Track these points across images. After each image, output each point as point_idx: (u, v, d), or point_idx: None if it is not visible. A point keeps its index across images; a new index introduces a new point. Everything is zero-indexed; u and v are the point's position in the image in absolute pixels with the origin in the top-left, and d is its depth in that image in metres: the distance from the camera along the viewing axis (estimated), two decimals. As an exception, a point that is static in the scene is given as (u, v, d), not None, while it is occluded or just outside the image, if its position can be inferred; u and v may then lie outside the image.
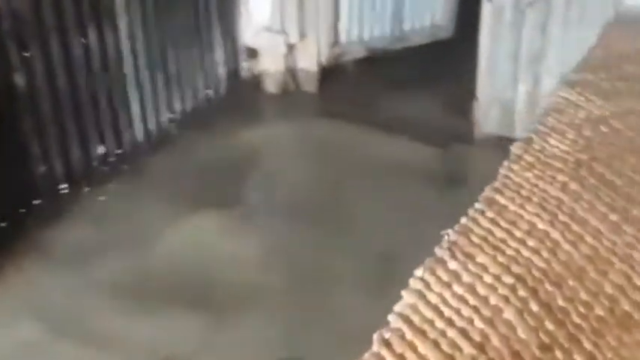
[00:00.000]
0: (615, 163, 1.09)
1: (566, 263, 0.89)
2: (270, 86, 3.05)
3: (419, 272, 0.86)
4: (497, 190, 1.02)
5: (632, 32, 1.61)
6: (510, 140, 2.46)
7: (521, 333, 0.78)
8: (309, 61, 2.98)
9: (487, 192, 1.02)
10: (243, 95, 3.11)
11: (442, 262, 0.88)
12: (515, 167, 1.08)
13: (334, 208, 2.41)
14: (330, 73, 3.11)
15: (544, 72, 2.21)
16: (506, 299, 0.83)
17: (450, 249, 0.90)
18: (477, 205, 0.99)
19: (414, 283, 0.85)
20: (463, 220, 0.96)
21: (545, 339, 0.78)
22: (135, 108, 2.69)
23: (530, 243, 0.92)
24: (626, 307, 0.82)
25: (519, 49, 2.22)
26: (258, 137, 2.84)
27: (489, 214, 0.97)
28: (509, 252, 0.90)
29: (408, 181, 2.46)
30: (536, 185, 1.04)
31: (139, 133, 2.74)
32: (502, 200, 1.00)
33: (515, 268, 0.88)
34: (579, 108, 1.24)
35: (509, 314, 0.81)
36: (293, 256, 2.18)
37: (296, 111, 3.06)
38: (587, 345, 0.77)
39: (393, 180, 2.49)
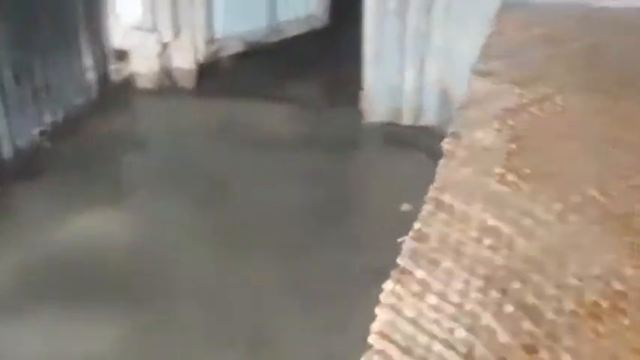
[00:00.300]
0: (544, 149, 1.11)
1: (525, 258, 0.89)
2: (144, 86, 2.94)
3: (389, 285, 0.85)
4: (440, 190, 1.02)
5: (522, 18, 1.66)
6: (398, 126, 2.55)
7: (503, 337, 0.78)
8: (184, 59, 2.88)
9: (431, 192, 1.01)
10: (115, 98, 2.98)
11: (408, 273, 0.87)
12: (451, 164, 1.08)
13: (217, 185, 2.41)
14: (207, 69, 3.04)
15: (430, 56, 2.25)
16: (481, 303, 0.83)
17: (412, 257, 0.89)
18: (426, 207, 0.99)
19: (386, 297, 0.83)
20: (416, 224, 0.95)
21: (528, 340, 0.78)
22: (0, 124, 2.51)
23: (487, 241, 0.92)
24: (592, 296, 0.84)
25: (404, 34, 2.25)
26: (134, 134, 2.77)
27: (441, 215, 0.97)
28: (469, 252, 0.90)
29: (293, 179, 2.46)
30: (474, 180, 1.04)
31: (7, 151, 2.56)
32: (448, 199, 1.00)
33: (480, 270, 0.87)
34: (497, 97, 1.26)
35: (487, 319, 0.80)
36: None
37: (170, 106, 3.00)
38: (568, 341, 0.78)
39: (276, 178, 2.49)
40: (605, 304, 0.83)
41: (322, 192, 2.30)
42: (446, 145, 1.13)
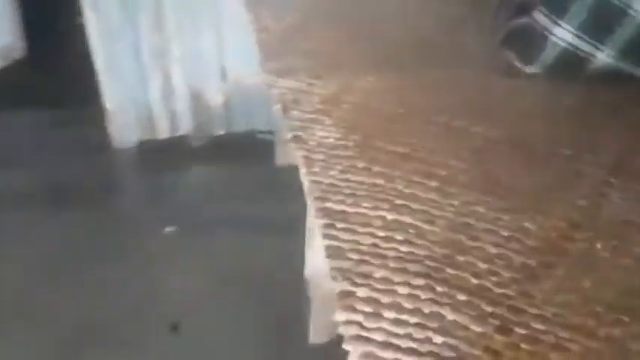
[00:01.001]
0: (382, 135, 1.11)
1: (441, 243, 0.88)
2: None
3: (340, 316, 0.78)
4: (322, 199, 0.97)
5: (275, 5, 1.62)
6: (153, 142, 2.41)
7: (476, 328, 0.77)
8: None
9: (316, 204, 0.96)
10: None
11: (351, 295, 0.81)
12: (314, 170, 1.04)
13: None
14: None
15: (174, 64, 2.15)
16: (436, 302, 0.80)
17: (345, 277, 0.83)
18: (319, 221, 0.93)
19: (347, 329, 0.77)
20: (325, 242, 0.89)
21: (495, 322, 0.78)
22: None
23: (398, 236, 0.89)
24: (522, 259, 0.87)
25: (140, 47, 2.11)
26: None
27: (339, 225, 0.92)
28: (391, 254, 0.87)
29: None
30: (347, 179, 1.01)
31: None
32: (335, 206, 0.95)
33: (411, 267, 0.85)
34: (310, 94, 1.23)
35: (450, 316, 0.79)
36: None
37: None
38: (532, 310, 0.79)
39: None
40: (534, 263, 0.87)
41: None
42: (296, 152, 1.08)
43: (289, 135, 1.12)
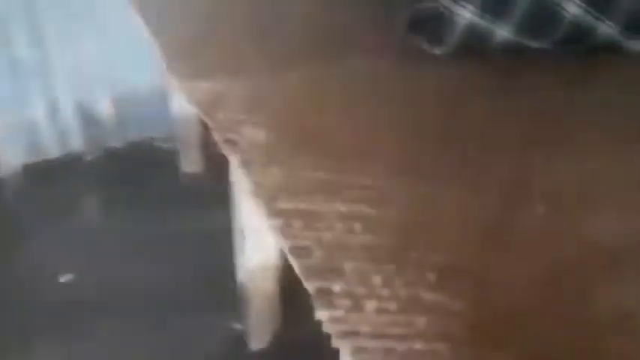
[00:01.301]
0: (315, 129, 1.12)
1: (398, 227, 0.91)
2: None
3: (323, 315, 0.78)
4: (273, 198, 0.96)
5: (166, 11, 1.58)
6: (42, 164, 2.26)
7: (458, 306, 0.79)
8: None
9: (267, 205, 0.95)
10: None
11: (328, 291, 0.81)
12: (256, 170, 1.03)
13: None
14: None
15: (55, 79, 2.05)
16: (410, 284, 0.82)
17: (317, 275, 0.83)
18: (274, 222, 0.92)
19: (332, 327, 0.77)
20: (287, 242, 0.89)
21: (470, 295, 0.81)
22: None
23: (357, 226, 0.90)
24: (477, 235, 0.91)
25: (17, 65, 1.99)
26: None
27: (296, 223, 0.91)
28: (356, 245, 0.88)
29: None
30: (291, 177, 1.00)
31: None
32: (286, 205, 0.95)
33: (379, 255, 0.86)
34: (230, 95, 1.21)
35: (427, 296, 0.81)
36: None
37: None
38: (497, 273, 0.83)
39: None
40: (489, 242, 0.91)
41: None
42: (231, 155, 1.06)
43: (220, 138, 1.10)
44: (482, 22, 1.24)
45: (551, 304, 0.81)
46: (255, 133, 1.11)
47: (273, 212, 0.94)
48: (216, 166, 1.38)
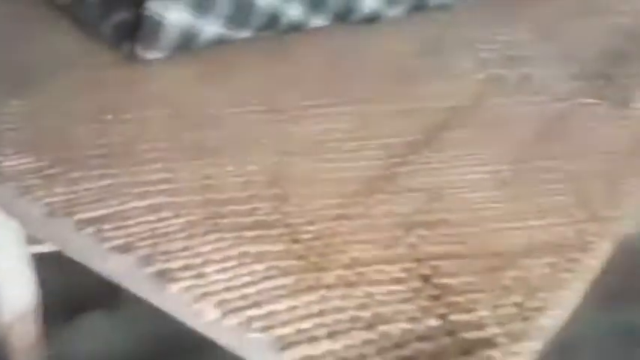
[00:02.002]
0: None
1: (198, 199, 0.98)
2: None
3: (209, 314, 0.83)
4: (72, 212, 0.95)
5: None
6: None
7: (273, 247, 0.90)
8: None
9: (73, 216, 0.94)
10: None
11: (182, 278, 0.86)
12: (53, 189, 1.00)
13: None
14: None
15: None
16: (238, 244, 0.90)
17: (162, 260, 0.87)
18: (90, 230, 0.92)
19: (229, 319, 0.81)
20: (110, 244, 0.89)
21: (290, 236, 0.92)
22: None
23: (166, 214, 0.96)
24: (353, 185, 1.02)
25: None
26: None
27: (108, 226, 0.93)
28: (177, 227, 0.93)
29: None
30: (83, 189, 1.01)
31: None
32: (92, 214, 0.96)
33: (206, 225, 0.93)
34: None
35: (252, 249, 0.90)
36: None
37: None
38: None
39: None
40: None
41: None
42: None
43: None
44: (191, 21, 1.35)
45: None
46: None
47: (81, 222, 0.94)
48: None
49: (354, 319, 0.80)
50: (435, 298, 0.81)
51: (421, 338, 0.76)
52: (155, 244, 0.91)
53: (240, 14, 1.38)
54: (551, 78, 1.29)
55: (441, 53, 1.37)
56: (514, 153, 1.08)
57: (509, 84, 1.27)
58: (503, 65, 1.32)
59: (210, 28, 1.37)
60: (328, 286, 0.84)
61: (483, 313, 0.78)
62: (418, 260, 0.87)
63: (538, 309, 0.78)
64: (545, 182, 1.01)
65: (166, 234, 0.93)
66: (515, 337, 0.75)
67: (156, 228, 0.94)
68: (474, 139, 1.11)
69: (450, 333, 0.77)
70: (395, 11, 1.48)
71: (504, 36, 1.42)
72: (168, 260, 0.88)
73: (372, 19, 1.48)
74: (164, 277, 0.87)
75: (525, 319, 0.76)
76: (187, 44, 1.39)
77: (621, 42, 1.39)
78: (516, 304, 0.79)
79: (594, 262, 0.86)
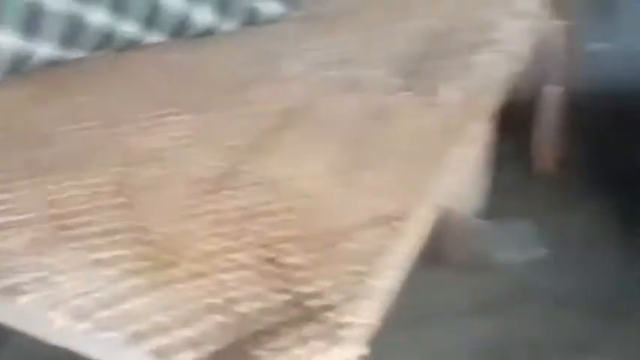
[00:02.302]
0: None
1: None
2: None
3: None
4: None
5: None
6: None
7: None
8: None
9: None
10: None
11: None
12: None
13: None
14: None
15: None
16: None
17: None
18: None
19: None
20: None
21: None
22: None
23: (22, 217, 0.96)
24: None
25: None
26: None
27: None
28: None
29: None
30: None
31: None
32: None
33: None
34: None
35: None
36: None
37: None
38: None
39: None
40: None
41: None
42: None
43: None
44: (20, 44, 1.34)
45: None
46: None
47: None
48: None
49: (208, 306, 0.84)
50: (281, 276, 0.87)
51: (272, 312, 0.82)
52: (-1, 261, 0.91)
53: (72, 35, 1.39)
54: (374, 77, 1.40)
55: (273, 61, 1.45)
56: (343, 144, 1.16)
57: (337, 84, 1.37)
58: (332, 68, 1.42)
59: (43, 50, 1.37)
60: (180, 280, 0.88)
61: (324, 283, 0.85)
62: (264, 246, 0.92)
63: (369, 273, 0.86)
64: (371, 165, 1.11)
65: (10, 250, 0.93)
66: (349, 299, 0.82)
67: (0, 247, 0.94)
68: (308, 135, 1.19)
69: (297, 304, 0.82)
70: (228, 25, 1.54)
71: (332, 43, 1.52)
72: (14, 275, 0.88)
73: (207, 33, 1.54)
74: (13, 291, 0.87)
75: (358, 282, 0.84)
76: (19, 67, 1.37)
77: (429, 42, 1.53)
78: (352, 272, 0.86)
79: (415, 229, 0.96)
